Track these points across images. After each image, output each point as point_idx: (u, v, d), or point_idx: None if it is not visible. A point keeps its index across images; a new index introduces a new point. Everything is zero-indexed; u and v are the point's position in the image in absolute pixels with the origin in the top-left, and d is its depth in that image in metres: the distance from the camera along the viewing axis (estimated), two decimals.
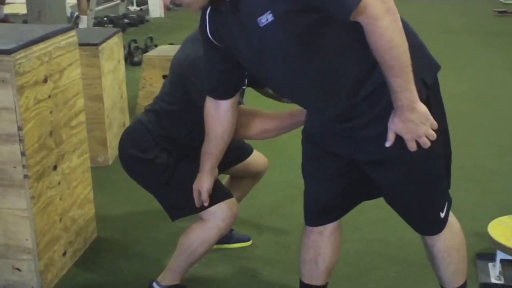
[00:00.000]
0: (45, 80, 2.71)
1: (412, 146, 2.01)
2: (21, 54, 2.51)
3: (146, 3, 12.04)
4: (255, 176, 3.14)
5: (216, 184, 2.74)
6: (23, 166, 2.60)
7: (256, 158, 3.11)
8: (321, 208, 2.38)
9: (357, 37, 1.90)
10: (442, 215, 2.27)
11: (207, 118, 2.41)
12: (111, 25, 9.84)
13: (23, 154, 2.58)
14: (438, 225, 2.29)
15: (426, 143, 2.01)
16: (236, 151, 3.03)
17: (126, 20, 10.26)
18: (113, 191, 4.05)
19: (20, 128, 2.54)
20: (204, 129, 2.53)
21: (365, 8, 1.81)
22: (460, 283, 2.42)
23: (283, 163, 4.35)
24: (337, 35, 1.91)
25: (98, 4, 9.75)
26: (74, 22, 8.87)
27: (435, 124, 2.00)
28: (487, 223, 3.22)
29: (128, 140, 2.78)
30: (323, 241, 2.39)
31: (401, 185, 2.21)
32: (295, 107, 2.54)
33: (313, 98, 2.10)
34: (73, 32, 2.97)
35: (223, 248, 3.23)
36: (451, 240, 2.33)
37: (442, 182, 2.26)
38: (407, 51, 1.88)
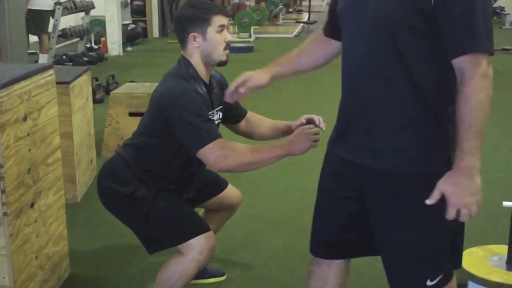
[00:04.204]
0: (25, 118, 2.74)
1: (452, 214, 1.99)
2: (3, 92, 2.54)
3: (100, 42, 12.10)
4: (229, 209, 3.19)
5: (194, 217, 2.80)
6: (3, 204, 2.60)
7: (231, 191, 3.16)
8: (328, 244, 2.38)
9: (432, 73, 2.00)
10: (430, 283, 2.17)
11: (314, 41, 2.45)
12: (70, 63, 9.84)
13: (3, 191, 2.58)
14: None
15: (466, 216, 1.99)
16: (212, 185, 3.09)
17: (85, 58, 10.28)
18: (83, 228, 4.05)
19: (0, 166, 2.55)
20: (182, 161, 2.67)
21: (479, 59, 1.90)
22: None
23: (250, 197, 4.41)
24: (425, 52, 2.00)
25: (57, 42, 9.74)
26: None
27: (481, 203, 1.99)
28: None
29: (107, 173, 2.82)
30: (331, 272, 2.39)
31: (395, 232, 2.16)
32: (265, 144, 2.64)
33: (361, 80, 2.10)
34: (51, 71, 3.01)
35: (198, 283, 3.25)
36: None
37: (439, 250, 2.18)
38: (486, 120, 1.94)
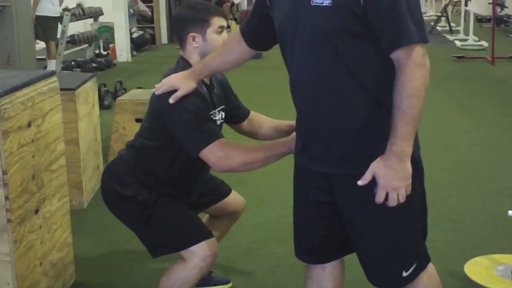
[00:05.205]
0: (29, 125, 2.75)
1: (380, 196, 2.06)
2: (6, 99, 2.55)
3: (108, 48, 12.14)
4: (232, 215, 3.18)
5: (198, 224, 2.80)
6: (7, 210, 2.61)
7: (234, 198, 3.16)
8: (314, 249, 2.40)
9: (376, 71, 2.05)
10: (405, 274, 2.24)
11: (230, 44, 2.50)
12: (79, 69, 9.88)
13: (6, 198, 2.59)
14: (396, 283, 2.27)
15: (394, 200, 2.06)
16: (215, 191, 3.09)
17: (94, 64, 10.32)
18: (88, 234, 4.05)
19: (4, 173, 2.55)
20: (182, 163, 2.68)
21: (412, 51, 1.96)
22: None
23: (256, 204, 4.41)
24: (366, 53, 2.04)
25: (65, 48, 9.79)
26: None
27: (409, 190, 2.07)
28: (459, 263, 3.30)
29: (110, 174, 2.83)
30: (325, 275, 2.41)
31: (369, 230, 2.23)
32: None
33: (312, 93, 2.15)
34: (54, 78, 3.02)
35: None
36: (429, 284, 2.34)
37: (412, 241, 2.25)
38: (422, 108, 1.99)
